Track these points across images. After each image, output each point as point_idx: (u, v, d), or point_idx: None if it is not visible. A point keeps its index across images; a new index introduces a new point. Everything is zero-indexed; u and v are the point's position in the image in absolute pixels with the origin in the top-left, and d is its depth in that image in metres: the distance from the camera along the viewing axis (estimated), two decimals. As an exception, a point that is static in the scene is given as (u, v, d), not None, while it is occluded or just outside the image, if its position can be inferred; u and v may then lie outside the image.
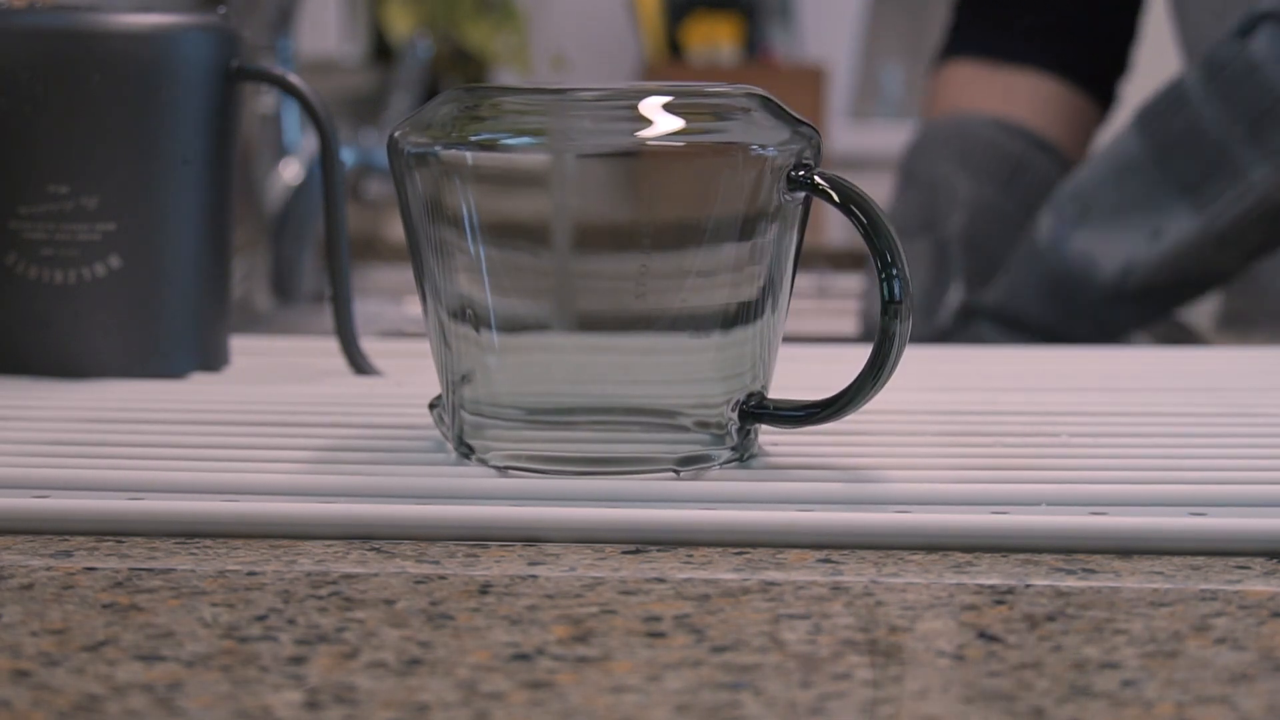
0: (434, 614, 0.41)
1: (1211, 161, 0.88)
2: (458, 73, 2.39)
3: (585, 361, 0.50)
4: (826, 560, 0.46)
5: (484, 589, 0.43)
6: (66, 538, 0.47)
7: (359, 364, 0.65)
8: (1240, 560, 0.46)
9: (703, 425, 0.51)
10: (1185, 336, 0.96)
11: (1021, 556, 0.46)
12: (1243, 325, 1.01)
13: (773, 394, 0.52)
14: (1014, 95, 1.06)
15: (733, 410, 0.51)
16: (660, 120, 0.48)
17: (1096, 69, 1.09)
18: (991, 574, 0.45)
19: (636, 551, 0.46)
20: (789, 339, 0.55)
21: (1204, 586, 0.44)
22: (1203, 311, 1.07)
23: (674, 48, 2.70)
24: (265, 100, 1.27)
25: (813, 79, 2.55)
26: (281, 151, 1.29)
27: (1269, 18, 0.87)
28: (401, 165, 0.50)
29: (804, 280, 1.36)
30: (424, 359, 0.55)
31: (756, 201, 0.49)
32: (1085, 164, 0.95)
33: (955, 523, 0.47)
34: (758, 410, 0.51)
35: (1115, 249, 0.91)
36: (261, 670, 0.38)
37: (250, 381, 0.64)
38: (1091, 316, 0.93)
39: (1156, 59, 1.11)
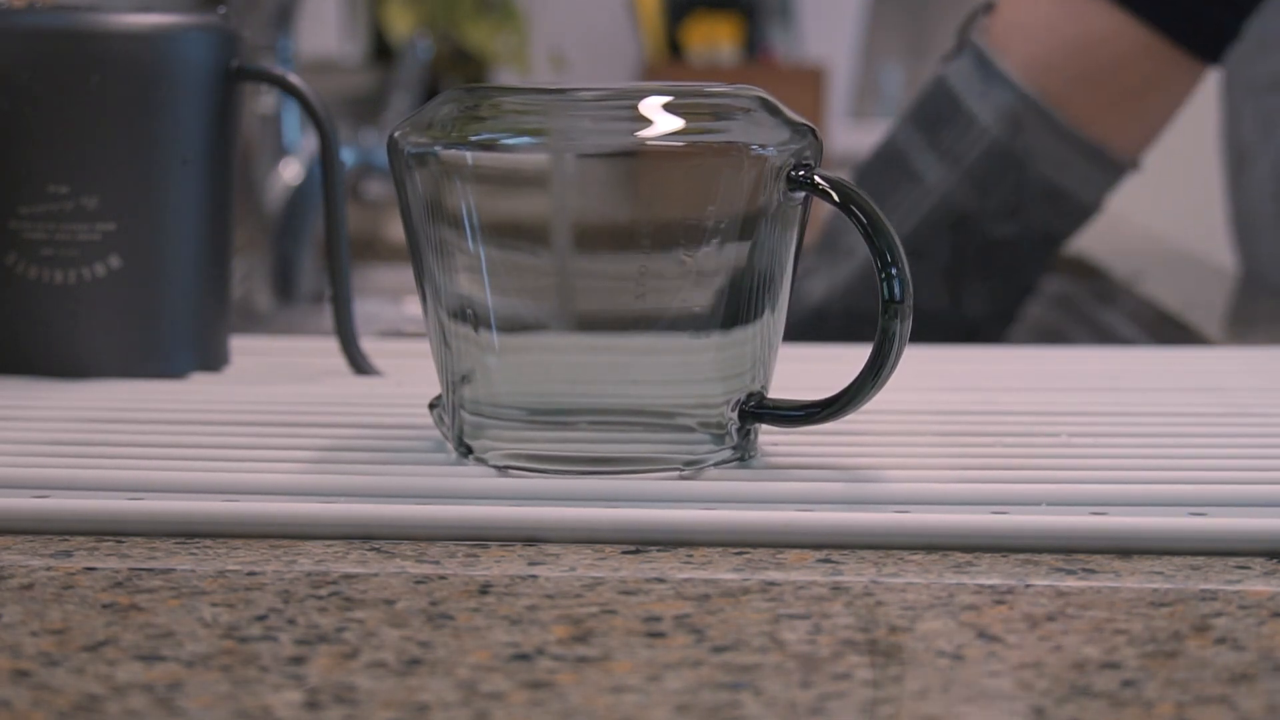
0: (434, 614, 0.41)
1: (899, 171, 0.92)
2: (458, 73, 2.39)
3: (585, 362, 0.50)
4: (826, 560, 0.46)
5: (484, 589, 0.43)
6: (66, 538, 0.47)
7: (359, 364, 0.65)
8: (1240, 560, 0.46)
9: (703, 425, 0.51)
10: (1185, 336, 0.96)
11: (1021, 556, 0.46)
12: (1243, 325, 1.01)
13: (773, 394, 0.52)
14: None
15: (733, 410, 0.51)
16: (660, 120, 0.48)
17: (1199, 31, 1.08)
18: (991, 574, 0.45)
19: (636, 551, 0.46)
20: (789, 339, 0.55)
21: (1204, 586, 0.44)
22: (1203, 311, 1.07)
23: (674, 48, 2.71)
24: (265, 100, 1.27)
25: (813, 79, 2.55)
26: (281, 151, 1.29)
27: (970, 45, 0.91)
28: (401, 165, 0.50)
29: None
30: (424, 359, 0.55)
31: (756, 201, 0.49)
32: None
33: (955, 523, 0.47)
34: (758, 410, 0.51)
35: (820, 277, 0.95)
36: (261, 670, 0.38)
37: (250, 381, 0.64)
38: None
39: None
